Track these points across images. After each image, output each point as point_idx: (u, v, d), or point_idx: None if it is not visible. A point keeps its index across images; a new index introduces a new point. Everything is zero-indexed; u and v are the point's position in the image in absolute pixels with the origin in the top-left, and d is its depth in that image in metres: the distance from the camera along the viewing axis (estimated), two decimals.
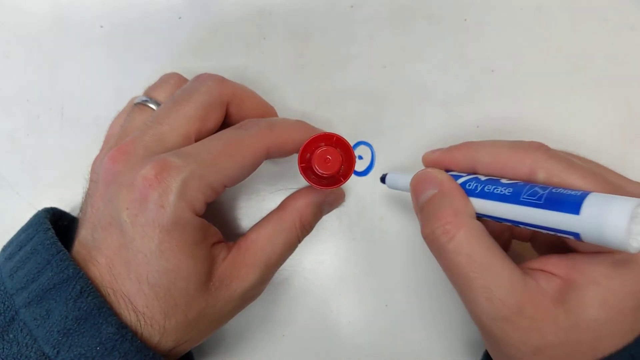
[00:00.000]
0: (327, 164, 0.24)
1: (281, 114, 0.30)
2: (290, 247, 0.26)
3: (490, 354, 0.23)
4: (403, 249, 0.30)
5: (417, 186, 0.24)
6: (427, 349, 0.29)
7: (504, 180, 0.21)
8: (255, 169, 0.24)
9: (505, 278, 0.20)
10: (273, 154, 0.24)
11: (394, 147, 0.31)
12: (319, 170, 0.24)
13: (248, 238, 0.25)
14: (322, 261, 0.30)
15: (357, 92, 0.31)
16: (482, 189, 0.22)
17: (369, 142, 0.31)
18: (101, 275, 0.21)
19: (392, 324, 0.30)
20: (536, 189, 0.19)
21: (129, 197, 0.21)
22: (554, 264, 0.21)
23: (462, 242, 0.21)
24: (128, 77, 0.33)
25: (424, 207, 0.23)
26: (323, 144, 0.25)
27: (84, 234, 0.23)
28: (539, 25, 0.31)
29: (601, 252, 0.20)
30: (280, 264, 0.26)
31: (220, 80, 0.25)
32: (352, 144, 0.28)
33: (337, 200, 0.29)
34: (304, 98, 0.32)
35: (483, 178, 0.22)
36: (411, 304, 0.30)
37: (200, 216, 0.22)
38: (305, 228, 0.26)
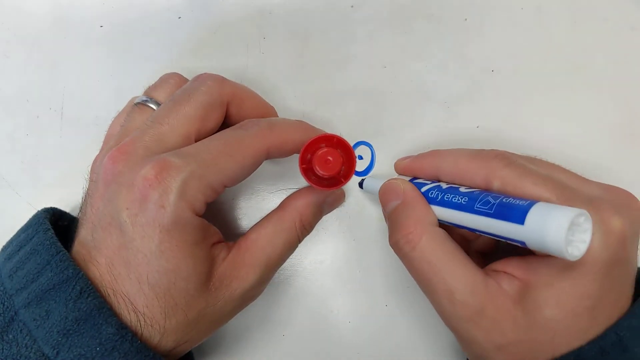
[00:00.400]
0: (328, 165, 0.24)
1: (281, 114, 0.29)
2: (290, 247, 0.26)
3: (463, 351, 0.24)
4: None
5: (383, 196, 0.25)
6: (427, 348, 0.29)
7: (462, 189, 0.22)
8: (255, 169, 0.24)
9: (466, 281, 0.21)
10: (273, 154, 0.24)
11: (394, 147, 0.31)
12: (319, 171, 0.24)
13: (248, 238, 0.25)
14: (322, 261, 0.30)
15: (357, 92, 0.31)
16: (442, 197, 0.22)
17: (369, 142, 0.31)
18: (101, 275, 0.21)
19: (392, 324, 0.30)
20: (489, 198, 0.20)
21: (129, 197, 0.21)
22: (514, 265, 0.22)
23: (424, 249, 0.22)
24: (128, 77, 0.33)
25: (389, 217, 0.24)
26: (324, 145, 0.25)
27: (83, 234, 0.23)
28: (539, 25, 0.31)
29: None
30: (281, 264, 0.26)
31: (220, 80, 0.25)
32: (352, 144, 0.28)
33: (338, 200, 0.29)
34: (304, 98, 0.32)
35: (445, 186, 0.23)
36: (411, 304, 0.30)
37: (200, 216, 0.22)
38: (305, 228, 0.26)
